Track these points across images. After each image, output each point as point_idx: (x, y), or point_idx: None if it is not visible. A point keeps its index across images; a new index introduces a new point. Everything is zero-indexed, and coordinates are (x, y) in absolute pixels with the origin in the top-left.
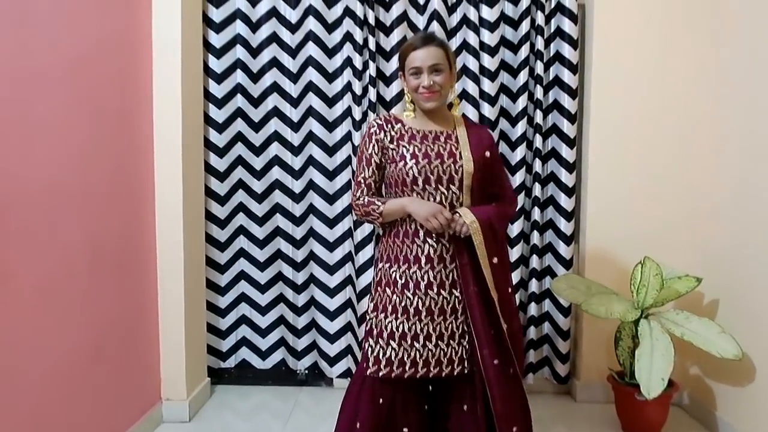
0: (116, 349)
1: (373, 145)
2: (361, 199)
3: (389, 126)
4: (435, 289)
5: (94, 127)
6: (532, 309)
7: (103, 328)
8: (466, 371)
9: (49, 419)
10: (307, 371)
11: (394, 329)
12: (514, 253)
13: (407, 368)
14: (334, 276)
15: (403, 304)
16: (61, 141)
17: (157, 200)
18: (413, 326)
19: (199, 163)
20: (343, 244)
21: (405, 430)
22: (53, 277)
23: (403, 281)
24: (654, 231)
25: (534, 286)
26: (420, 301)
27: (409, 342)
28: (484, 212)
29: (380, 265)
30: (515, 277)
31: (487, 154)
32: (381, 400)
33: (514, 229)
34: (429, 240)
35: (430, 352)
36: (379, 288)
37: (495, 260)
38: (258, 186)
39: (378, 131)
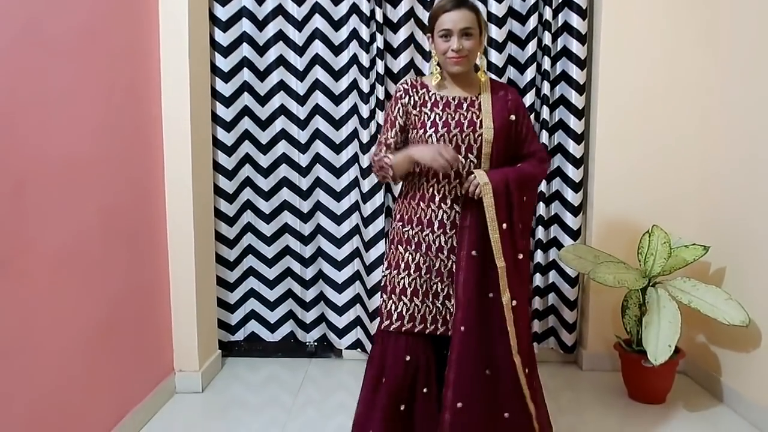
0: (130, 321)
1: (399, 108)
2: (378, 155)
3: (413, 91)
4: (445, 253)
5: (106, 101)
6: (537, 280)
7: (117, 301)
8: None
9: (67, 391)
10: (316, 343)
11: (406, 285)
12: None
13: (418, 323)
14: (341, 249)
15: (415, 261)
16: (73, 115)
17: (167, 174)
18: (425, 283)
19: (207, 138)
20: (350, 217)
21: (425, 390)
22: (68, 250)
23: (416, 241)
24: (662, 201)
25: (539, 257)
26: (431, 261)
27: (420, 298)
28: (500, 174)
29: (395, 225)
30: None
31: (512, 117)
32: (408, 357)
33: None
34: (443, 206)
35: (438, 310)
36: (392, 246)
37: (504, 226)
38: (264, 160)
39: (403, 95)
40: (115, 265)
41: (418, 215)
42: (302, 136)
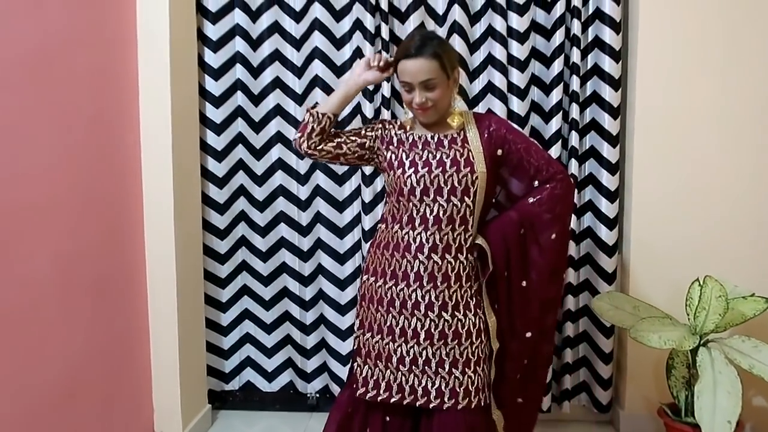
0: (97, 381)
1: (372, 128)
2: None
3: (391, 127)
4: (422, 310)
5: (65, 132)
6: (569, 329)
7: (80, 359)
8: (460, 406)
9: None
10: (317, 395)
11: (381, 350)
12: None
13: (394, 393)
14: (345, 291)
15: (388, 324)
16: (19, 153)
17: (146, 211)
18: (398, 348)
19: (195, 167)
20: (354, 256)
21: None
22: (11, 316)
23: (388, 298)
24: (711, 241)
25: (570, 302)
26: (406, 321)
27: (394, 365)
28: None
29: (365, 278)
30: None
31: (499, 152)
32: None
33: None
34: (420, 255)
35: (416, 378)
36: (362, 304)
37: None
38: (260, 193)
39: (381, 128)
40: (77, 319)
41: (391, 267)
42: (301, 167)
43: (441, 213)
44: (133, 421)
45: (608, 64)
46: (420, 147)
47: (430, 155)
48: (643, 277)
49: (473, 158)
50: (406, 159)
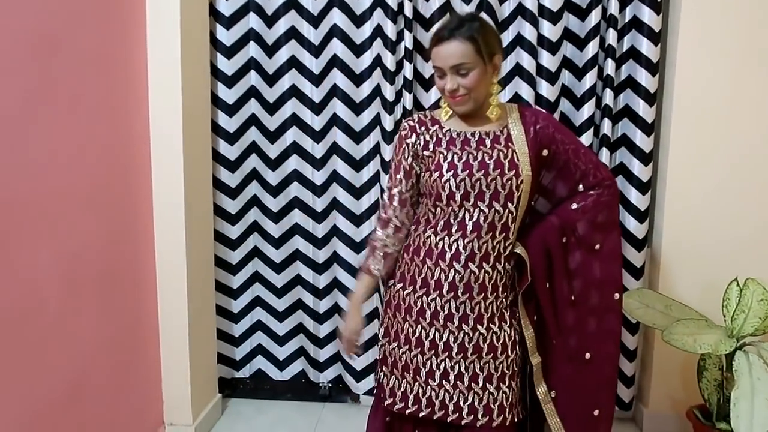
0: (106, 381)
1: (404, 150)
2: (380, 231)
3: (423, 128)
4: (455, 322)
5: (66, 122)
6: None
7: (86, 360)
8: (494, 423)
9: None
10: (330, 385)
11: (409, 362)
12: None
13: (423, 407)
14: None
15: (417, 335)
16: (17, 142)
17: (155, 196)
18: (428, 361)
19: (206, 151)
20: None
21: None
22: (20, 311)
23: (418, 308)
24: (747, 240)
25: None
26: (437, 333)
27: (423, 378)
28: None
29: (391, 284)
30: None
31: (545, 152)
32: None
33: None
34: (456, 264)
35: (446, 393)
36: (387, 311)
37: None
38: (273, 177)
39: (410, 134)
40: (83, 317)
41: (422, 275)
42: (317, 150)
43: (482, 219)
44: (143, 413)
45: (646, 47)
46: (459, 146)
47: (470, 156)
48: (673, 274)
49: (518, 160)
50: (444, 161)
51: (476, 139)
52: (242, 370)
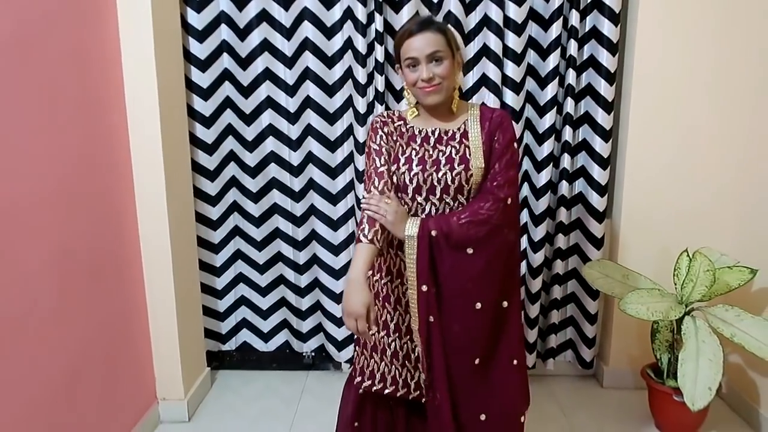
0: (100, 365)
1: (380, 137)
2: (372, 197)
3: (391, 122)
4: (403, 306)
5: (47, 120)
6: (556, 291)
7: (84, 341)
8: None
9: None
10: (313, 354)
11: (376, 343)
12: (539, 232)
13: (388, 384)
14: (339, 257)
15: (384, 319)
16: (3, 145)
17: (136, 185)
18: (393, 343)
19: (184, 136)
20: (348, 222)
21: None
22: (9, 316)
23: (384, 294)
24: (700, 209)
25: (559, 266)
26: (400, 317)
27: (389, 359)
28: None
29: (369, 275)
30: (539, 257)
31: (495, 137)
32: (376, 415)
33: (539, 205)
34: (400, 253)
35: (409, 373)
36: None
37: (424, 288)
38: (251, 159)
39: (382, 125)
40: (75, 309)
41: (387, 263)
42: (293, 132)
43: (433, 212)
44: (137, 391)
45: (607, 28)
46: (418, 142)
47: (426, 153)
48: (632, 244)
49: (470, 155)
50: (402, 155)
51: (435, 137)
52: (228, 343)
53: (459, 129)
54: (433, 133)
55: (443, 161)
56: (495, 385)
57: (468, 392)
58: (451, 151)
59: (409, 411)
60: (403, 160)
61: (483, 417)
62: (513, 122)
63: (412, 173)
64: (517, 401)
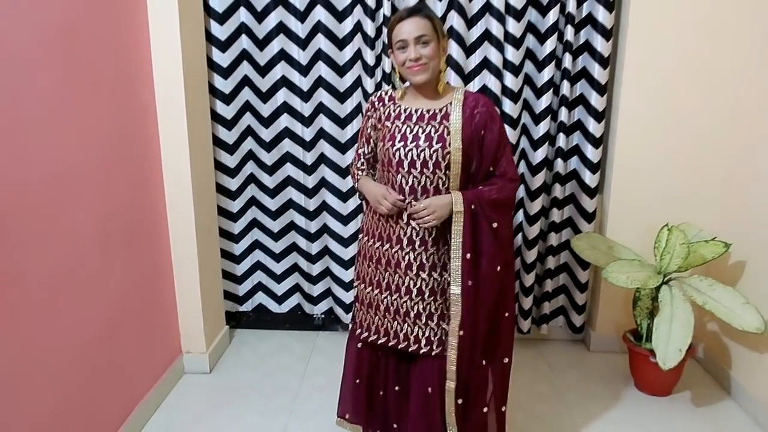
0: (135, 315)
1: (369, 123)
2: (354, 168)
3: (381, 104)
4: (414, 270)
5: (91, 101)
6: (550, 261)
7: (120, 299)
8: (434, 353)
9: (75, 400)
10: (323, 316)
11: (372, 299)
12: (535, 206)
13: (381, 335)
14: (347, 226)
15: (378, 279)
16: (55, 127)
17: (164, 157)
18: (385, 299)
19: (205, 112)
20: (355, 195)
21: (397, 387)
22: (61, 271)
23: (385, 258)
24: (684, 189)
25: (553, 238)
26: (400, 279)
27: (382, 313)
28: (472, 196)
29: (361, 238)
30: (534, 230)
31: (482, 132)
32: (373, 359)
33: (535, 181)
34: (412, 222)
35: (409, 328)
36: (359, 259)
37: (468, 256)
38: (267, 134)
39: (372, 111)
40: (115, 266)
41: (386, 231)
42: (305, 109)
43: (415, 183)
44: (165, 344)
45: (602, 15)
46: (402, 119)
47: (407, 129)
48: (621, 218)
49: (448, 134)
50: (389, 133)
51: (417, 115)
52: (245, 304)
53: (441, 110)
54: (416, 111)
55: (422, 138)
56: (499, 335)
57: (482, 344)
58: (430, 130)
59: (398, 359)
60: (388, 137)
61: (484, 362)
62: (497, 109)
63: (394, 148)
64: (507, 348)
